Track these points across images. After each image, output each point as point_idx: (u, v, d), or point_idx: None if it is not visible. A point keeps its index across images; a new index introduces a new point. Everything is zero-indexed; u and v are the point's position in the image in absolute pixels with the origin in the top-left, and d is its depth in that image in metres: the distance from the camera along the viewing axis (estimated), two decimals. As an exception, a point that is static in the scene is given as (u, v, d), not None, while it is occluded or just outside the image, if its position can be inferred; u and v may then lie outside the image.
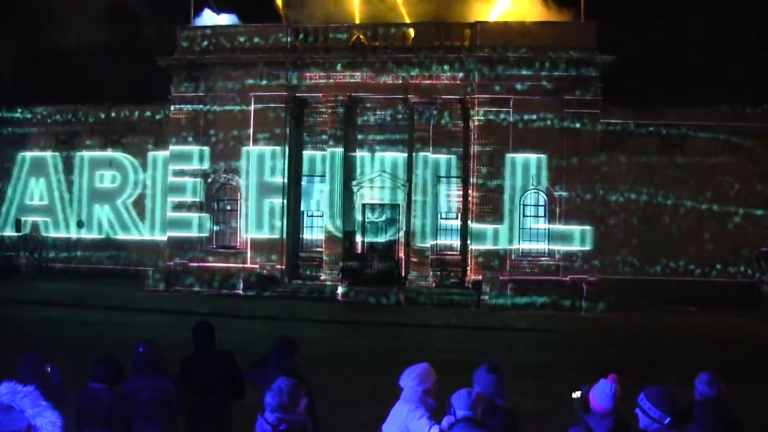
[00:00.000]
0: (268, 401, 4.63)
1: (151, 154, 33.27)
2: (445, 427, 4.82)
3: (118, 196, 33.74)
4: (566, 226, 27.92)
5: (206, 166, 29.77)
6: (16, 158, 34.81)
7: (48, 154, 34.54)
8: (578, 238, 27.86)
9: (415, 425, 5.04)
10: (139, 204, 33.56)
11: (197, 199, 29.62)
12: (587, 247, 27.87)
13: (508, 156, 28.13)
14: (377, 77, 29.02)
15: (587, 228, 27.89)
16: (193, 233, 29.63)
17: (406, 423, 5.09)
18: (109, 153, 33.77)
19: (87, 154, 34.16)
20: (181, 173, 29.89)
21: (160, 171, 32.79)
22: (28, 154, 34.75)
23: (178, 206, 29.85)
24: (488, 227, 28.15)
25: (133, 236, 33.57)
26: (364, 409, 10.25)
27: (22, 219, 34.38)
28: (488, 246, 28.10)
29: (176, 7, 31.38)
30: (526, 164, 28.15)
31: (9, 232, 34.52)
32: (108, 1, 35.60)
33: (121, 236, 33.64)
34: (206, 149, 29.78)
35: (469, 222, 28.70)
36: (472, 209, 28.38)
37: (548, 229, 28.18)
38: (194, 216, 29.67)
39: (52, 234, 34.23)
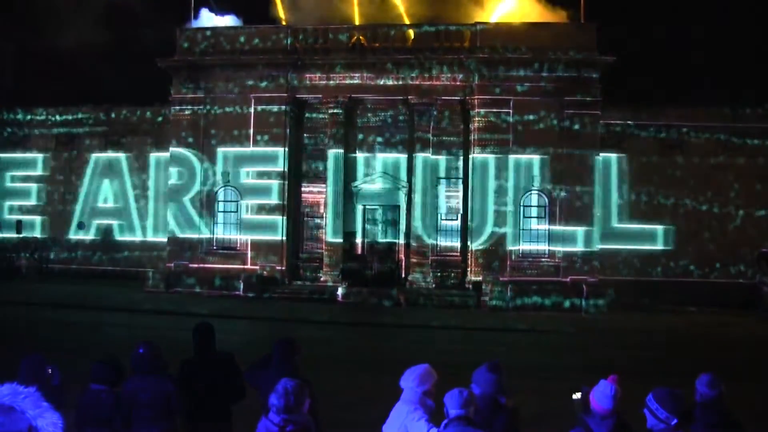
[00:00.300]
0: (273, 402, 4.62)
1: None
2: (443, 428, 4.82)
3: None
4: (566, 227, 27.91)
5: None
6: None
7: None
8: (578, 238, 27.84)
9: (413, 427, 5.05)
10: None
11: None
12: (587, 248, 27.86)
13: (509, 157, 28.12)
14: (377, 78, 29.02)
15: (587, 229, 27.87)
16: (194, 234, 29.61)
17: (405, 424, 5.10)
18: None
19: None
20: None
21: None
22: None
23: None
24: (488, 228, 28.12)
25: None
26: (364, 410, 10.24)
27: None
28: (488, 247, 28.09)
29: (176, 8, 31.40)
30: (526, 165, 28.14)
31: (8, 234, 34.50)
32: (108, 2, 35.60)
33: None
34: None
35: (469, 223, 28.70)
36: (473, 209, 28.37)
37: (548, 229, 28.17)
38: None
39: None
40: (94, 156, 34.09)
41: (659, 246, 30.38)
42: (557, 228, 28.01)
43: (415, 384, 5.23)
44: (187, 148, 29.83)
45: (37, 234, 34.61)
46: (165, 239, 30.61)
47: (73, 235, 34.26)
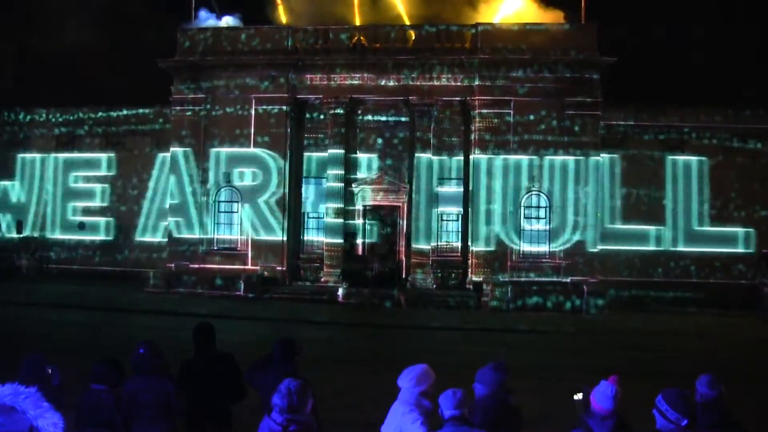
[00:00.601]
0: (277, 402, 4.63)
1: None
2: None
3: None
4: (567, 228, 27.87)
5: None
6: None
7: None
8: (579, 239, 27.82)
9: (408, 429, 5.02)
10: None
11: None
12: (588, 249, 27.85)
13: (510, 158, 28.11)
14: (378, 79, 29.02)
15: (588, 229, 27.86)
16: (195, 235, 29.61)
17: (400, 425, 5.09)
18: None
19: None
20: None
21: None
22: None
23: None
24: (489, 228, 28.13)
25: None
26: (365, 410, 10.25)
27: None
28: (489, 247, 28.09)
29: (176, 9, 31.42)
30: (527, 166, 28.10)
31: (10, 234, 34.54)
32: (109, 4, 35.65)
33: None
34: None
35: (469, 223, 28.69)
36: (473, 210, 28.37)
37: (549, 230, 28.16)
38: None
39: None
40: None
41: (661, 247, 30.37)
42: (558, 228, 27.99)
43: (412, 384, 5.20)
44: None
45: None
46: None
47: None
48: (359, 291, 27.12)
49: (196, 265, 29.32)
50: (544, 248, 28.22)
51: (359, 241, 30.31)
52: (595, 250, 28.02)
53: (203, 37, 30.01)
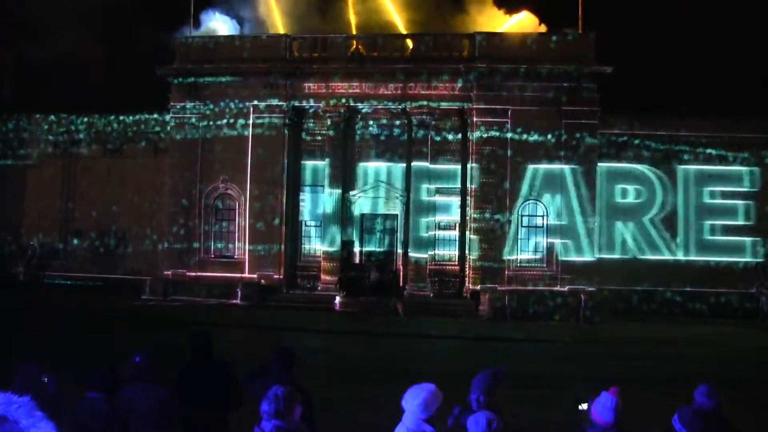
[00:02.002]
0: (264, 409, 4.61)
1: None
2: None
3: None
4: (565, 237, 27.87)
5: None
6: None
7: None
8: (577, 248, 27.81)
9: None
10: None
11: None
12: (586, 258, 27.83)
13: (507, 166, 28.12)
14: (376, 88, 29.06)
15: (585, 239, 27.85)
16: (193, 243, 29.56)
17: None
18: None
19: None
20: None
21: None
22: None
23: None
24: (486, 237, 28.10)
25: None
26: (362, 420, 10.21)
27: None
28: (486, 256, 28.04)
29: (177, 14, 31.41)
30: (524, 174, 28.12)
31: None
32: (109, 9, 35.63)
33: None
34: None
35: (467, 232, 28.67)
36: (471, 219, 28.36)
37: (546, 239, 28.13)
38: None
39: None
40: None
41: (662, 256, 30.35)
42: (556, 238, 27.97)
43: (419, 410, 4.74)
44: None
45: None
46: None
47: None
48: (357, 299, 27.07)
49: (194, 273, 29.26)
50: (541, 257, 28.20)
51: (357, 249, 30.29)
52: (593, 259, 28.01)
53: (201, 45, 30.01)
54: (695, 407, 5.50)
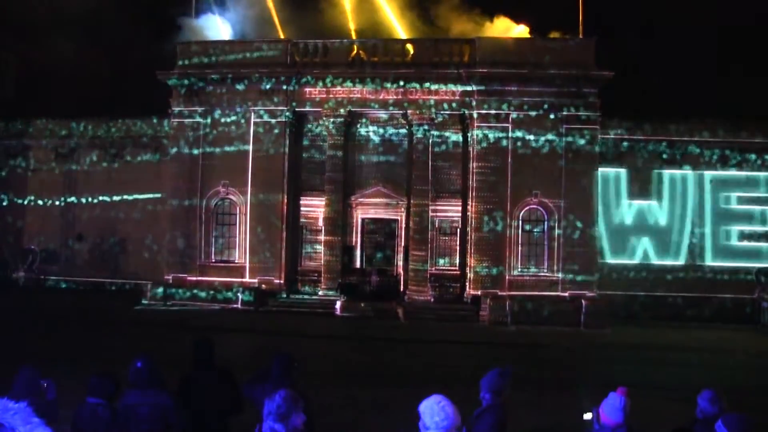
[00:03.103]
0: (266, 412, 4.59)
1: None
2: None
3: None
4: (565, 242, 27.82)
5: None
6: None
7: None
8: (578, 253, 27.76)
9: None
10: None
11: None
12: (587, 263, 27.77)
13: (508, 171, 28.09)
14: (376, 92, 29.08)
15: (587, 244, 27.82)
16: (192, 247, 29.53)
17: None
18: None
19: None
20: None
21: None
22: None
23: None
24: (487, 242, 28.05)
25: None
26: (362, 426, 10.18)
27: None
28: (487, 261, 28.00)
29: (178, 19, 31.45)
30: (525, 179, 28.09)
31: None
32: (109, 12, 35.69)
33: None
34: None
35: (467, 237, 28.64)
36: (471, 224, 28.33)
37: (547, 244, 28.10)
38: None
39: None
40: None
41: (665, 261, 30.31)
42: (556, 243, 27.93)
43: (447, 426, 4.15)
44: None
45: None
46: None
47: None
48: (357, 304, 27.04)
49: (194, 278, 29.23)
50: (542, 262, 28.17)
51: (357, 254, 30.26)
52: (594, 265, 27.96)
53: (202, 50, 30.04)
54: (697, 412, 5.47)
